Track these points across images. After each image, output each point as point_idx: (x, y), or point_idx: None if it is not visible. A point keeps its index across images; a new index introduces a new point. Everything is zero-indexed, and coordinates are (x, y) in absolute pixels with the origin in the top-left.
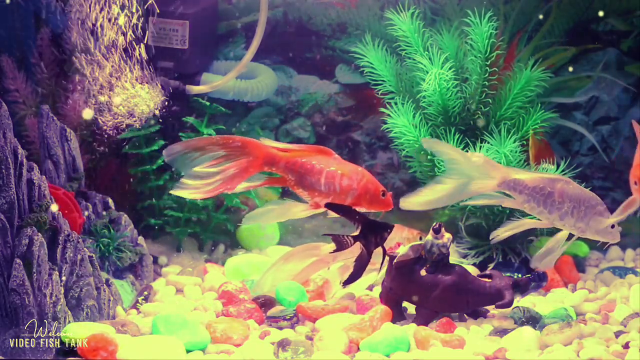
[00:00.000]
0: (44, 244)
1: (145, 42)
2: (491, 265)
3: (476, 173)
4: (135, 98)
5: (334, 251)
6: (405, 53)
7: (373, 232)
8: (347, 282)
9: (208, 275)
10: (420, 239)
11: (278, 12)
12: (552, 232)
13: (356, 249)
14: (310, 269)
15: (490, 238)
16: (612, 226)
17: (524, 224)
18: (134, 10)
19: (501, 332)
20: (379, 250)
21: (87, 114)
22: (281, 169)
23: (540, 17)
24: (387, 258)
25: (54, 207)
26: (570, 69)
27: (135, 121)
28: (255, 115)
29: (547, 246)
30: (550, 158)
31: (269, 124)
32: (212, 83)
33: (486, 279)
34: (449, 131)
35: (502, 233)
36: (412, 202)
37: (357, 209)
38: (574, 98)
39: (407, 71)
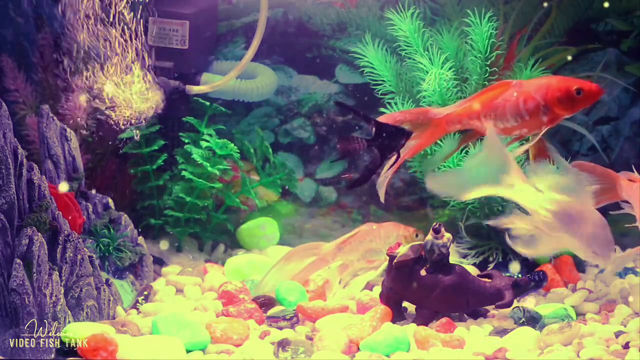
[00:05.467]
0: (44, 244)
1: (146, 42)
2: (491, 265)
3: None
4: (135, 98)
5: (340, 158)
6: (405, 53)
7: (388, 137)
8: (352, 186)
9: (208, 275)
10: (417, 236)
11: (278, 12)
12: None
13: (354, 252)
14: (310, 269)
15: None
16: None
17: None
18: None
19: (501, 332)
20: (378, 248)
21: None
22: (467, 123)
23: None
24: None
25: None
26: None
27: (135, 122)
28: (255, 115)
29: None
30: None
31: (269, 124)
32: (212, 83)
33: (486, 279)
34: None
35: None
36: None
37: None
38: None
39: (407, 71)
